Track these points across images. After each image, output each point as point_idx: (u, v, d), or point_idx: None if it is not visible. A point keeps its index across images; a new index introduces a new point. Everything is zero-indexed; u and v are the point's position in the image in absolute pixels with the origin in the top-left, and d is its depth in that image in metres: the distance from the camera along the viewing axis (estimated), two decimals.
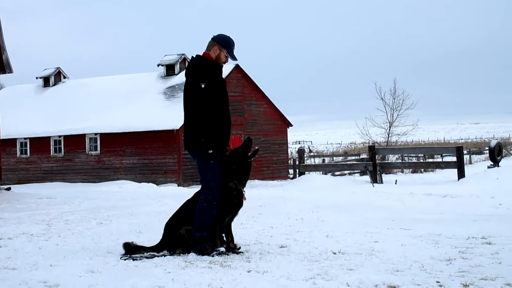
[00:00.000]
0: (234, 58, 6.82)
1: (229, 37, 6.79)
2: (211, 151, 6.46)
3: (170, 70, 33.17)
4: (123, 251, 6.62)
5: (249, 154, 6.86)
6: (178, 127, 27.14)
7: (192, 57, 6.80)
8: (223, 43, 6.72)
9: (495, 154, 21.91)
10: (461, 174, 20.09)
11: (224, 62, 6.79)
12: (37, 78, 37.03)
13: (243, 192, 6.81)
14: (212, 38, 6.78)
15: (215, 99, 6.55)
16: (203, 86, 6.50)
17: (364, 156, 35.27)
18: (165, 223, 6.92)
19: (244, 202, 6.89)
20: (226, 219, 6.72)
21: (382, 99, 37.70)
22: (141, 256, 6.43)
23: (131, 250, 6.60)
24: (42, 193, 18.64)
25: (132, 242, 6.77)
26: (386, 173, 26.52)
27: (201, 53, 6.78)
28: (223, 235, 6.77)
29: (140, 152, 29.60)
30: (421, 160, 36.93)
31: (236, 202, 6.74)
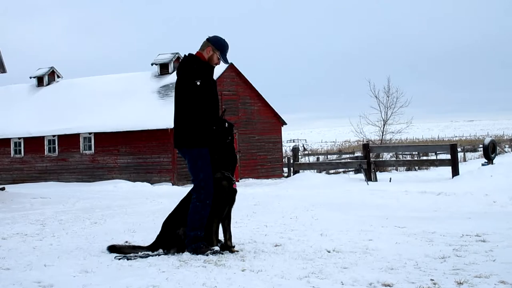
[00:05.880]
0: (226, 61, 6.86)
1: (224, 39, 6.82)
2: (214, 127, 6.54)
3: (164, 69, 33.10)
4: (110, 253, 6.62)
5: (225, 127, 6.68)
6: (172, 126, 27.07)
7: (185, 55, 6.81)
8: (217, 45, 6.75)
9: (489, 151, 21.93)
10: (455, 172, 20.12)
11: (216, 64, 6.81)
12: (30, 77, 36.88)
13: (233, 180, 6.75)
14: (207, 39, 6.80)
15: (208, 97, 6.58)
16: (198, 83, 6.53)
17: (358, 154, 35.23)
18: (162, 221, 6.91)
19: (237, 196, 6.84)
20: (224, 212, 6.67)
21: (376, 97, 37.69)
22: (135, 256, 6.42)
23: (117, 252, 6.62)
24: (36, 193, 18.58)
25: (126, 242, 6.76)
26: (380, 171, 26.55)
27: (194, 52, 6.80)
28: (222, 231, 6.72)
29: (135, 151, 29.55)
30: (415, 158, 37.00)
31: (228, 191, 6.68)
